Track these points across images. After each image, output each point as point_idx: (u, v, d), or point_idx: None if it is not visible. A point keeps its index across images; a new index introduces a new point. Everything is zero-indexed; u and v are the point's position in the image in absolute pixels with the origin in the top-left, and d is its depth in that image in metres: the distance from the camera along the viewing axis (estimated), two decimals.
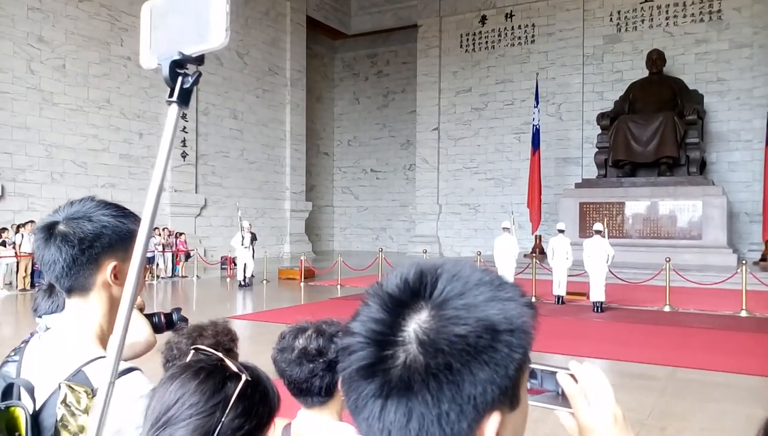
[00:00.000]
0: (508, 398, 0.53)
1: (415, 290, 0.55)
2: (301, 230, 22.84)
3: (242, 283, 13.10)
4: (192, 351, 0.93)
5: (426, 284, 0.55)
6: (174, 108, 0.71)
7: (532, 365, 0.64)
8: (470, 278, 0.55)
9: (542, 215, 18.32)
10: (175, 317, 1.87)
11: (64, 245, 1.05)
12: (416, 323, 0.52)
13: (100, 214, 1.08)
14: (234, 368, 0.81)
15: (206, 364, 0.82)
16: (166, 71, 0.70)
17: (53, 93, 15.08)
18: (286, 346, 1.34)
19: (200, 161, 18.78)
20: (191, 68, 0.72)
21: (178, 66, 0.70)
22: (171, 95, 0.70)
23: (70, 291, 1.08)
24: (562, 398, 0.64)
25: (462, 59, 22.69)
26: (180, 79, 0.70)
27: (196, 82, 0.71)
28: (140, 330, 1.74)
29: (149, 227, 0.71)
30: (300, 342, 1.33)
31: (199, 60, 0.71)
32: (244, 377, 0.80)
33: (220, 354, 0.85)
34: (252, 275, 13.85)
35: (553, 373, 0.64)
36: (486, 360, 0.51)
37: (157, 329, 1.79)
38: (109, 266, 1.07)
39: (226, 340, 1.58)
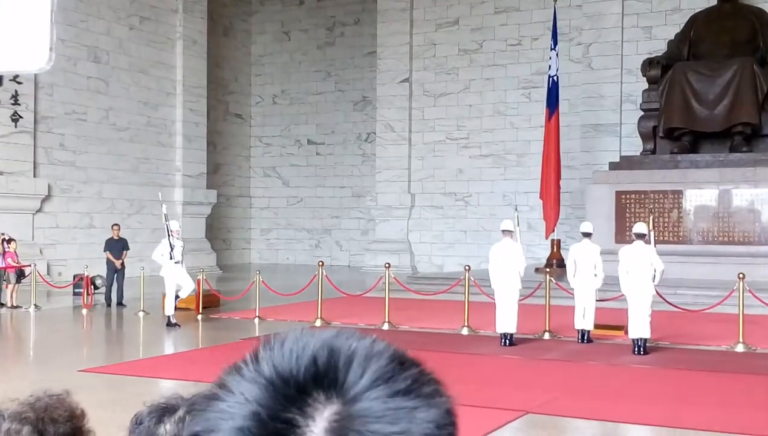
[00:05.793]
0: None
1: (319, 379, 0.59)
2: (200, 233, 22.69)
3: (171, 320, 12.24)
4: None
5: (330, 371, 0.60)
6: None
7: None
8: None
9: (561, 210, 18.64)
10: None
11: None
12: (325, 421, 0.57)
13: None
14: None
15: None
16: None
17: None
18: None
19: (41, 128, 18.47)
20: None
21: None
22: None
23: None
24: None
25: None
26: None
27: None
28: None
29: None
30: (167, 429, 1.31)
31: None
32: None
33: None
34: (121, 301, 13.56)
35: None
36: None
37: None
38: None
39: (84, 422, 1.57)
